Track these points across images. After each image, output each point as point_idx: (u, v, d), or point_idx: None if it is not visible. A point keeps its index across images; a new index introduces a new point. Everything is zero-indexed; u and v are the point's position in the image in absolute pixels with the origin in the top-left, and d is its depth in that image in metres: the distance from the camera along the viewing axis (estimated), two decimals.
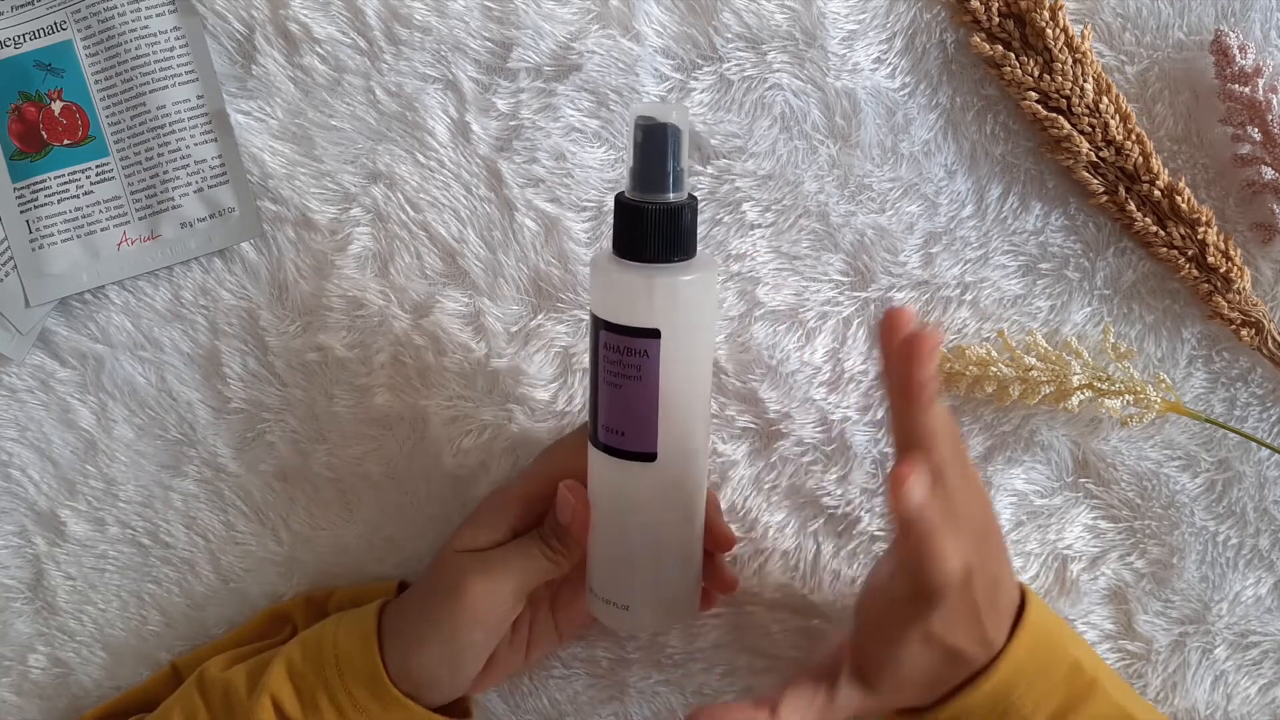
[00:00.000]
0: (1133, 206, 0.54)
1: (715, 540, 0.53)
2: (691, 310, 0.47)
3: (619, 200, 0.46)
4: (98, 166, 0.55)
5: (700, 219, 0.55)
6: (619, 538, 0.50)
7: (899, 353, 0.43)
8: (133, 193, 0.56)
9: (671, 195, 0.45)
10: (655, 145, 0.45)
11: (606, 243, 0.45)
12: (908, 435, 0.44)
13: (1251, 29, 0.54)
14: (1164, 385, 0.55)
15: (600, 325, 0.47)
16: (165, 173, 0.55)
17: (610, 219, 0.55)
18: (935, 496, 0.43)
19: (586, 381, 0.56)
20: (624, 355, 0.46)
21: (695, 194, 0.46)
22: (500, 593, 0.50)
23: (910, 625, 0.47)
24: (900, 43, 0.54)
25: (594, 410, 0.49)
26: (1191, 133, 0.55)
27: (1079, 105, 0.53)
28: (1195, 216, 0.54)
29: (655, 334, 0.46)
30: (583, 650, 0.59)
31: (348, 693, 0.51)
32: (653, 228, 0.45)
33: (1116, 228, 0.56)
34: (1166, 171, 0.54)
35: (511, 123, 0.55)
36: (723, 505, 0.57)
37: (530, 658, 0.57)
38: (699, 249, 0.47)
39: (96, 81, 0.55)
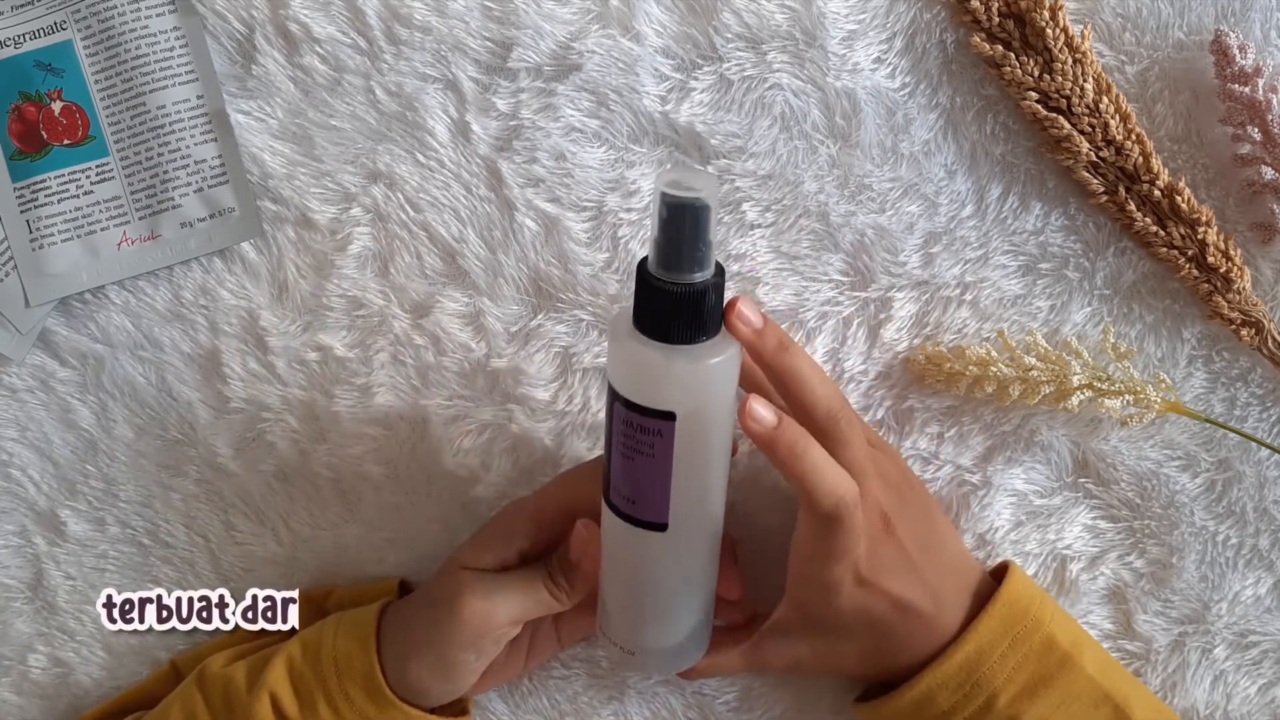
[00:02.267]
0: (1133, 206, 0.54)
1: (729, 590, 0.53)
2: (710, 391, 0.44)
3: (640, 273, 0.42)
4: (98, 166, 0.55)
5: None
6: (628, 590, 0.49)
7: (729, 320, 0.45)
8: (133, 193, 0.56)
9: (697, 276, 0.41)
10: (681, 224, 0.41)
11: (629, 304, 0.44)
12: (775, 382, 0.47)
13: (1251, 29, 0.54)
14: (1164, 385, 0.55)
15: (615, 397, 0.44)
16: (165, 173, 0.55)
17: (609, 219, 0.55)
18: (794, 423, 0.45)
19: (595, 388, 0.57)
20: (638, 432, 0.44)
21: (722, 265, 0.43)
22: (496, 619, 0.50)
23: (831, 561, 0.48)
24: (900, 43, 0.54)
25: (607, 471, 0.47)
26: (1191, 133, 0.55)
27: (1079, 105, 0.53)
28: (1195, 216, 0.54)
29: (670, 416, 0.43)
30: (583, 650, 0.59)
31: (344, 693, 0.51)
32: (674, 310, 0.42)
33: (1116, 228, 0.56)
34: (1166, 171, 0.54)
35: (511, 123, 0.55)
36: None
37: (530, 665, 0.57)
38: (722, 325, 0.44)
39: (96, 81, 0.55)
